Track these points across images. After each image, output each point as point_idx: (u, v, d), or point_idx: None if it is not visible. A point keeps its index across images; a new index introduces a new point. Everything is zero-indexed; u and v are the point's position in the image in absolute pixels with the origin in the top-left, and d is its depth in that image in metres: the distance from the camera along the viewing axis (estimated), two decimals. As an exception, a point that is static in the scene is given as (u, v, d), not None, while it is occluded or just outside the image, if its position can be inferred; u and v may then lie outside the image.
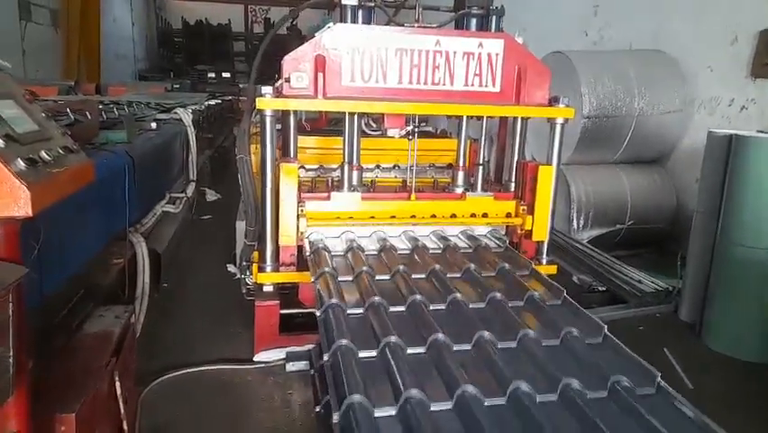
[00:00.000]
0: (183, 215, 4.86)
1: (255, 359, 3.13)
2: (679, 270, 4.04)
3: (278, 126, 3.19)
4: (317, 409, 2.62)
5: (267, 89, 2.92)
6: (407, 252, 3.01)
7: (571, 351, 1.98)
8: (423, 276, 2.63)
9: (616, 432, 1.54)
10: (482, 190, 3.44)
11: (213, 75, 16.90)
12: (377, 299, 2.26)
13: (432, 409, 1.63)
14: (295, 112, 3.22)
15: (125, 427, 2.34)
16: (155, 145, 4.09)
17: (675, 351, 3.43)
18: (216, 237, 5.29)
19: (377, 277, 2.58)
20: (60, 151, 1.66)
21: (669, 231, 5.33)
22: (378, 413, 1.60)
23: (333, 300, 2.22)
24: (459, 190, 3.45)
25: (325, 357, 1.89)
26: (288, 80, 2.97)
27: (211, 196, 6.91)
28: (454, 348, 1.95)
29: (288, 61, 2.99)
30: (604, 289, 4.33)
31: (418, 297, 2.29)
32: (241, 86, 13.51)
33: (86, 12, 12.92)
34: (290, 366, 3.05)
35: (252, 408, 2.75)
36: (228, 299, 3.96)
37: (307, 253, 2.95)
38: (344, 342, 1.90)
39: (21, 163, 1.38)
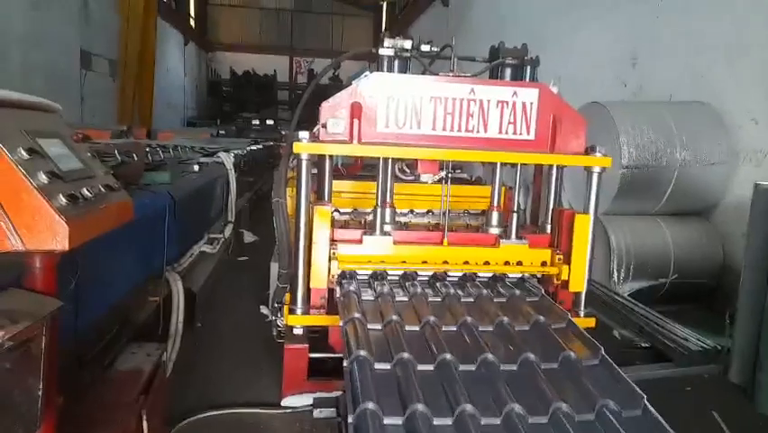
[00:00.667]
0: (220, 255, 4.95)
1: (282, 403, 3.09)
2: (727, 328, 3.82)
3: (315, 171, 3.26)
4: (342, 459, 2.55)
5: (304, 134, 3.00)
6: (439, 299, 2.94)
7: (606, 429, 1.84)
8: (453, 328, 2.54)
9: None
10: (517, 238, 3.38)
11: (257, 122, 17.57)
12: (405, 355, 2.18)
13: None
14: (331, 157, 3.29)
15: (149, 467, 2.33)
16: (197, 187, 4.23)
17: (725, 414, 3.20)
18: (251, 278, 5.35)
19: (406, 328, 2.50)
20: (102, 188, 1.74)
21: (715, 286, 5.08)
22: None
23: (362, 353, 2.16)
24: (492, 231, 3.41)
25: (350, 419, 1.83)
26: (324, 126, 3.05)
27: (249, 237, 7.04)
28: (483, 422, 1.85)
29: (326, 108, 3.08)
30: (647, 345, 4.13)
31: (448, 356, 2.19)
32: (283, 132, 13.99)
33: (142, 62, 13.78)
34: (317, 413, 2.98)
35: (276, 454, 2.69)
36: (260, 341, 3.95)
37: (338, 296, 2.94)
38: (371, 406, 1.83)
39: (62, 199, 1.44)
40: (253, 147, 8.51)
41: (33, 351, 1.42)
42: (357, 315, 2.52)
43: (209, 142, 7.72)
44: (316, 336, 3.26)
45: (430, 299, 2.89)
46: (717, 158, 5.04)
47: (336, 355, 3.16)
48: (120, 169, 3.07)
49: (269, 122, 18.56)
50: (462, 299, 2.92)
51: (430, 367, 2.16)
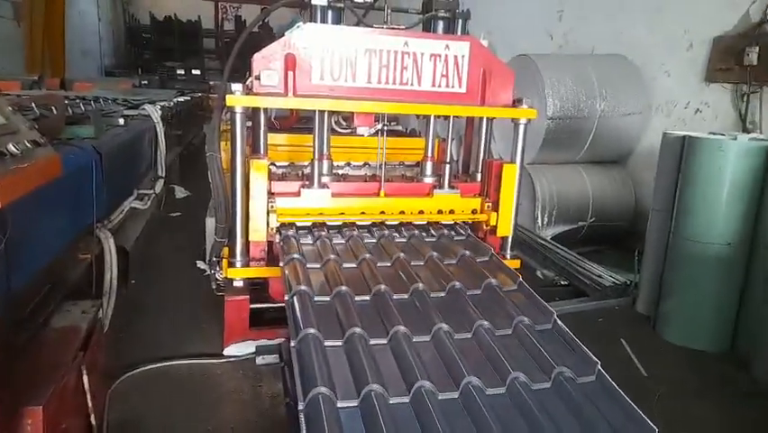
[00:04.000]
0: (152, 211, 4.82)
1: (225, 353, 3.16)
2: (636, 265, 4.21)
3: (249, 124, 3.22)
4: (287, 401, 2.67)
5: (237, 86, 2.94)
6: (374, 240, 3.10)
7: (521, 340, 2.12)
8: (388, 264, 2.73)
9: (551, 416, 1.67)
10: (449, 187, 3.53)
11: (182, 72, 16.62)
12: (343, 288, 2.34)
13: (391, 402, 1.71)
14: (265, 109, 3.26)
15: (93, 421, 2.35)
16: (123, 141, 4.06)
17: (632, 341, 3.59)
18: (185, 234, 5.27)
19: (344, 265, 2.67)
20: (28, 144, 1.68)
21: (628, 228, 5.53)
22: (341, 404, 1.69)
23: (302, 287, 2.30)
24: (427, 180, 3.54)
25: (293, 343, 1.95)
26: (258, 78, 3.00)
27: (180, 193, 6.86)
28: (414, 340, 2.05)
29: (259, 59, 3.03)
30: (567, 283, 4.49)
31: (383, 287, 2.38)
32: (211, 83, 13.38)
33: (50, 5, 12.59)
34: (260, 360, 3.08)
35: (222, 400, 2.78)
36: (197, 296, 3.96)
37: (277, 241, 3.01)
38: (312, 331, 1.97)
39: (-11, 156, 1.40)
40: (180, 99, 8.12)
41: (-32, 310, 1.40)
42: (297, 255, 2.65)
43: (132, 94, 7.28)
44: (257, 288, 3.32)
45: (366, 241, 3.05)
46: (633, 108, 5.38)
47: (277, 305, 3.25)
48: (39, 123, 2.90)
49: (196, 72, 17.62)
50: (396, 240, 3.10)
51: (366, 297, 2.35)
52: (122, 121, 4.37)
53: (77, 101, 4.60)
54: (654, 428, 1.58)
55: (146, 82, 11.98)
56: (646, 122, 5.50)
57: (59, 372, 2.05)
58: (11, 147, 1.52)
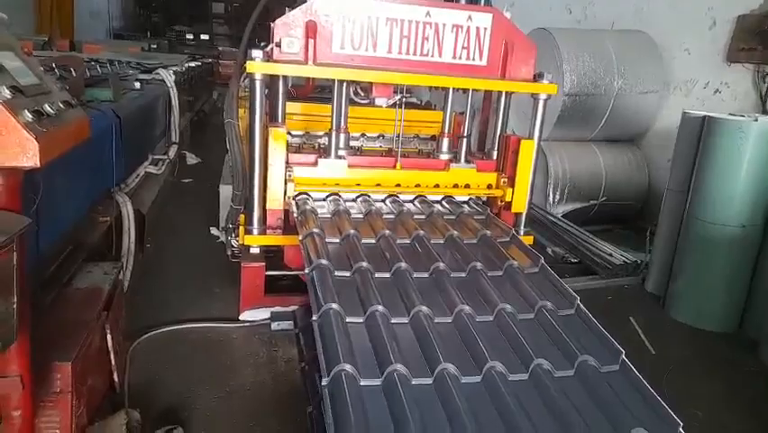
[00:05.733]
0: (165, 177, 4.85)
1: (241, 318, 3.22)
2: (647, 244, 4.23)
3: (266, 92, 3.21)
4: (302, 366, 2.73)
5: (257, 53, 2.92)
6: (392, 216, 3.08)
7: (543, 325, 2.08)
8: (407, 241, 2.70)
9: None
10: (465, 162, 3.52)
11: (191, 36, 16.49)
12: (364, 264, 2.30)
13: (413, 383, 1.70)
14: (284, 77, 3.24)
15: (116, 378, 2.42)
16: (140, 105, 4.06)
17: (640, 320, 3.63)
18: (198, 201, 5.30)
19: (363, 240, 2.62)
20: (61, 105, 1.69)
21: (640, 208, 5.53)
22: (364, 382, 1.68)
23: (322, 262, 2.27)
24: (443, 157, 3.53)
25: (314, 317, 1.94)
26: (278, 45, 2.98)
27: (192, 159, 6.87)
28: (436, 321, 2.03)
29: (279, 26, 3.00)
30: (577, 260, 4.52)
31: (403, 265, 2.33)
32: (220, 48, 13.25)
33: (58, -36, 12.39)
34: (275, 325, 3.14)
35: (239, 363, 2.84)
36: (211, 261, 4.01)
37: (295, 215, 3.00)
38: (334, 306, 1.96)
39: (27, 115, 1.41)
40: (192, 64, 8.07)
41: (6, 267, 1.44)
42: (315, 230, 2.61)
43: (143, 57, 7.22)
44: (271, 256, 3.36)
45: (384, 216, 3.02)
46: (650, 86, 5.32)
47: (292, 273, 3.29)
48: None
49: (204, 36, 17.47)
50: (415, 216, 3.06)
51: (386, 275, 2.32)
52: (137, 85, 4.37)
53: (94, 63, 4.58)
54: (679, 422, 1.56)
55: (155, 46, 11.87)
56: (663, 101, 5.44)
57: (84, 330, 2.11)
58: (47, 107, 1.53)
